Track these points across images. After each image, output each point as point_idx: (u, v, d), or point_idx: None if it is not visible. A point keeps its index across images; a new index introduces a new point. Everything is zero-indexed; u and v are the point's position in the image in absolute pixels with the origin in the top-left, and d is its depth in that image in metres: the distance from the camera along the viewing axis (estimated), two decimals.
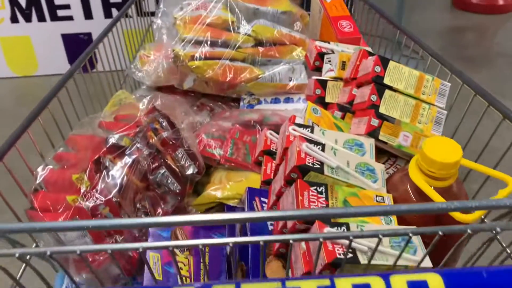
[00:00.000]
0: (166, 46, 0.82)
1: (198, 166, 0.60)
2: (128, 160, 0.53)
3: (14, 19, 2.42)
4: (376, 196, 0.50)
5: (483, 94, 0.59)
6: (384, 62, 0.60)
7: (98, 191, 0.49)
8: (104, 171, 0.50)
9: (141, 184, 0.56)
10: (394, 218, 0.48)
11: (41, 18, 2.43)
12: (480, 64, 2.75)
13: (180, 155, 0.59)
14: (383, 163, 0.63)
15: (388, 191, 0.52)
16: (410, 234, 0.37)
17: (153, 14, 1.08)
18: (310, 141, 0.53)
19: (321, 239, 0.36)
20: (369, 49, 0.77)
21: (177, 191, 0.58)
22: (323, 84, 0.69)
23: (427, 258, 0.43)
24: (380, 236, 0.36)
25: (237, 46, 0.82)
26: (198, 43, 0.81)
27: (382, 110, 0.59)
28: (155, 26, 0.86)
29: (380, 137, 0.58)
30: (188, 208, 0.64)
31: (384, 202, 0.50)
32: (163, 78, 0.82)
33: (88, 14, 2.45)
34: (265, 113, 0.77)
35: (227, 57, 0.81)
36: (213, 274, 0.52)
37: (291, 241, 0.36)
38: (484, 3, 3.35)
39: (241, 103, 0.86)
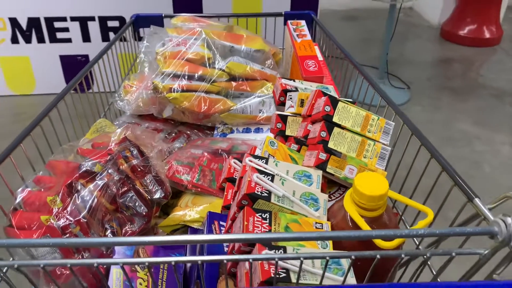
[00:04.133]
0: (147, 78, 0.90)
1: (164, 191, 0.67)
2: (98, 184, 0.59)
3: (14, 40, 2.51)
4: (316, 223, 0.56)
5: (419, 135, 0.65)
6: (333, 103, 0.68)
7: (69, 212, 0.55)
8: (76, 194, 0.57)
9: (111, 206, 0.62)
10: (330, 243, 0.55)
11: (41, 40, 2.53)
12: (466, 94, 2.84)
13: (148, 181, 0.65)
14: (334, 192, 0.69)
15: (328, 218, 0.59)
16: (327, 258, 0.43)
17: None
18: (262, 172, 0.59)
19: (250, 260, 0.43)
20: (331, 87, 0.85)
21: (144, 213, 0.64)
22: (283, 118, 0.76)
23: (353, 279, 0.49)
24: (302, 259, 0.43)
25: (212, 80, 0.90)
26: (176, 76, 0.89)
27: (330, 145, 0.66)
28: (138, 60, 0.93)
29: (328, 169, 0.65)
30: (156, 229, 0.70)
31: (322, 228, 0.56)
32: (143, 107, 0.89)
33: (86, 37, 2.54)
34: (235, 143, 0.84)
35: (202, 89, 0.89)
36: None
37: (224, 261, 0.42)
38: (471, 36, 3.47)
39: (215, 132, 0.93)
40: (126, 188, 0.63)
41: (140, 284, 0.55)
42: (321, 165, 0.65)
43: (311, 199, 0.60)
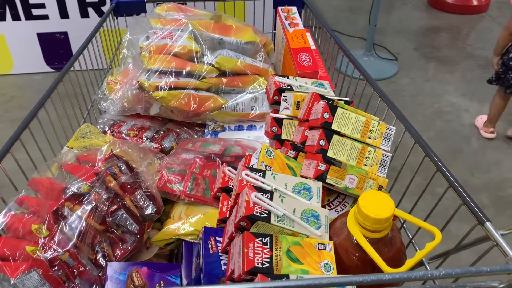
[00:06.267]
0: (132, 76, 0.85)
1: (156, 206, 0.64)
2: (87, 207, 0.56)
3: None
4: (318, 243, 0.54)
5: (421, 143, 0.63)
6: (332, 109, 0.64)
7: (56, 242, 0.52)
8: (63, 221, 0.53)
9: (101, 227, 0.59)
10: (333, 267, 0.52)
11: (16, 17, 2.41)
12: (454, 65, 2.82)
13: (138, 197, 0.62)
14: (333, 200, 0.67)
15: (331, 236, 0.57)
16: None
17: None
18: (259, 189, 0.56)
19: None
20: (326, 82, 0.81)
21: (136, 231, 0.61)
22: (279, 122, 0.72)
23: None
24: None
25: (201, 76, 0.85)
26: (163, 73, 0.84)
27: (330, 154, 0.63)
28: (121, 56, 0.88)
29: (328, 180, 0.62)
30: (148, 243, 0.67)
31: (325, 249, 0.54)
32: (128, 107, 0.84)
33: (64, 14, 2.43)
34: (227, 144, 0.80)
35: (191, 87, 0.84)
36: None
37: None
38: (458, 3, 3.41)
39: (206, 130, 0.89)
40: (115, 207, 0.60)
41: None
42: (320, 177, 0.62)
43: (312, 216, 0.57)
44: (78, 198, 0.56)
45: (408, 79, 2.64)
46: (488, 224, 0.46)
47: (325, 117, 0.64)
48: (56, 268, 0.52)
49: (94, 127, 0.79)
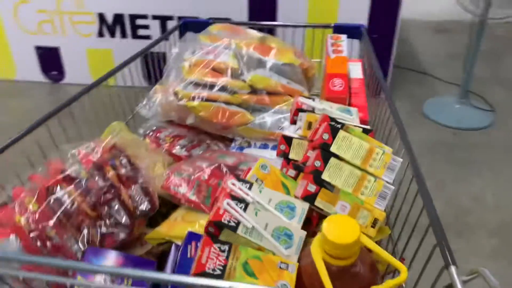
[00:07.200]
0: (170, 85, 0.90)
1: (151, 203, 0.66)
2: (80, 188, 0.60)
3: (100, 34, 2.69)
4: (281, 262, 0.52)
5: (419, 178, 0.58)
6: (333, 131, 0.62)
7: (40, 216, 0.56)
8: (52, 197, 0.58)
9: (93, 213, 0.62)
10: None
11: (124, 35, 2.68)
12: None
13: (134, 191, 0.65)
14: None
15: (301, 258, 0.54)
16: None
17: None
18: (235, 198, 0.56)
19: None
20: (355, 110, 0.78)
21: (126, 224, 0.64)
22: (288, 141, 0.71)
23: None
24: None
25: (234, 91, 0.87)
26: (198, 85, 0.88)
27: (325, 176, 0.60)
28: (165, 67, 0.94)
29: (316, 203, 0.59)
30: (142, 239, 0.69)
31: (287, 269, 0.51)
32: (162, 113, 0.89)
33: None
34: (244, 159, 0.80)
35: (222, 100, 0.87)
36: None
37: None
38: None
39: (233, 144, 0.90)
40: (110, 197, 0.63)
41: None
42: (308, 198, 0.59)
43: (285, 234, 0.55)
44: (73, 181, 0.61)
45: (502, 133, 2.41)
46: (452, 268, 0.40)
47: (324, 138, 0.62)
48: (37, 241, 0.56)
49: (126, 126, 0.84)
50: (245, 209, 0.55)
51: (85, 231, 0.61)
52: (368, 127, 0.73)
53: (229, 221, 0.54)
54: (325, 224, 0.48)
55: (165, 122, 0.99)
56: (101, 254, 0.59)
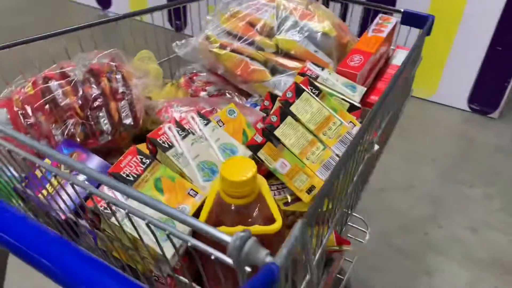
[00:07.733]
0: (204, 28, 0.95)
1: (135, 120, 0.73)
2: (74, 87, 0.69)
3: None
4: (191, 189, 0.55)
5: None
6: (298, 91, 0.62)
7: (31, 96, 0.66)
8: (46, 85, 0.67)
9: (81, 112, 0.71)
10: (190, 212, 0.53)
11: None
12: None
13: (122, 106, 0.72)
14: (272, 184, 0.65)
15: None
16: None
17: None
18: (180, 125, 0.60)
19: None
20: (361, 88, 0.76)
21: (108, 132, 0.72)
22: (273, 98, 0.72)
23: None
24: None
25: (260, 48, 0.90)
26: (230, 34, 0.91)
27: (278, 133, 0.61)
28: (213, 12, 0.99)
29: (259, 154, 0.61)
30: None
31: (194, 197, 0.54)
32: (191, 54, 0.95)
33: None
34: (243, 111, 0.83)
35: (247, 54, 0.90)
36: None
37: None
38: None
39: (249, 99, 0.93)
40: (99, 103, 0.71)
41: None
42: (253, 147, 0.61)
43: (210, 169, 0.58)
44: (69, 78, 0.70)
45: None
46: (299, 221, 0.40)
47: (288, 95, 0.62)
48: (24, 119, 0.67)
49: (154, 56, 0.92)
50: (184, 138, 0.59)
51: (70, 125, 0.70)
52: (358, 104, 0.71)
53: (163, 142, 0.58)
54: (224, 163, 0.50)
55: (205, 69, 1.05)
56: (72, 147, 0.68)
